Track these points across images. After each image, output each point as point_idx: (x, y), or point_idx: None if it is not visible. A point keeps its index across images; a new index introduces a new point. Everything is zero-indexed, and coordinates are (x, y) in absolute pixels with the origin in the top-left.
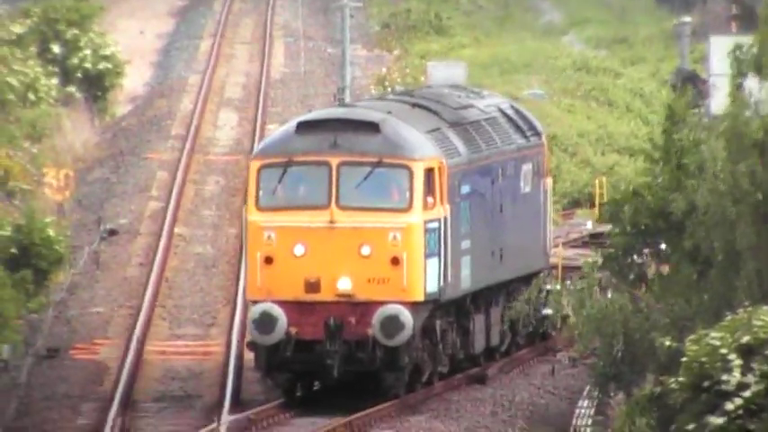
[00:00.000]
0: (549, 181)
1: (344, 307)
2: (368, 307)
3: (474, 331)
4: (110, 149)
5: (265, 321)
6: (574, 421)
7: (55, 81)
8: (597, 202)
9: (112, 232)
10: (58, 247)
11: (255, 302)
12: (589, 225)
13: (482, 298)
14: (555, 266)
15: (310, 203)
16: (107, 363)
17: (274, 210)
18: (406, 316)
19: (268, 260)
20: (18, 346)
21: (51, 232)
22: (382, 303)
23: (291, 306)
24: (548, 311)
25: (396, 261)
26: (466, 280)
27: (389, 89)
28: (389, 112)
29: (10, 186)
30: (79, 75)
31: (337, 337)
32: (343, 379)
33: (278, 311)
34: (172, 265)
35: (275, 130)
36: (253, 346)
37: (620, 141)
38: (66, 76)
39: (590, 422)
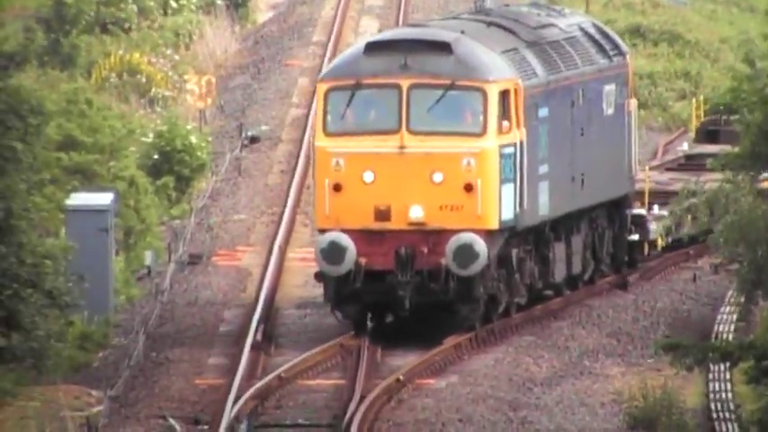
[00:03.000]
0: (634, 102)
1: (416, 236)
2: (440, 236)
3: (554, 260)
4: (251, 57)
5: (334, 251)
6: (716, 327)
7: None
8: (694, 124)
9: (254, 139)
10: (200, 154)
11: (323, 231)
12: (685, 146)
13: (562, 225)
14: (642, 191)
15: (380, 128)
16: (249, 269)
17: (343, 135)
18: (481, 245)
19: (337, 187)
20: (161, 252)
21: (194, 139)
22: (455, 232)
23: (361, 235)
24: (634, 237)
25: (469, 188)
26: (544, 207)
27: None
28: (463, 32)
29: (152, 93)
30: None
31: (409, 268)
32: (415, 311)
33: (347, 241)
34: None
35: (343, 52)
36: (321, 276)
37: (763, 47)
38: None
39: (732, 328)
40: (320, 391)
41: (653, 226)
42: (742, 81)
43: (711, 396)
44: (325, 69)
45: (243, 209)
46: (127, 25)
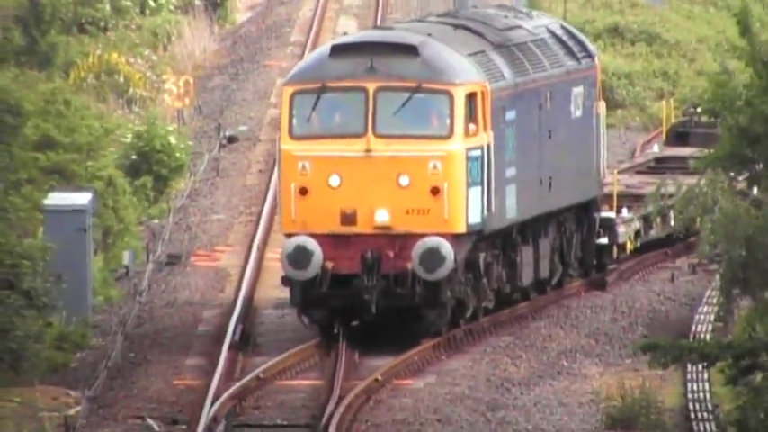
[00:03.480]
0: (603, 105)
1: (382, 240)
2: (407, 240)
3: (522, 264)
4: (229, 57)
5: (300, 255)
6: (694, 327)
7: None
8: (664, 125)
9: (232, 139)
10: (179, 154)
11: (290, 236)
12: (656, 149)
13: (530, 228)
14: (610, 194)
15: (346, 131)
16: (227, 269)
17: (308, 138)
18: (447, 249)
19: (302, 191)
20: (139, 252)
21: (172, 139)
22: (422, 236)
23: (327, 239)
24: (602, 241)
25: (436, 191)
26: (511, 210)
27: None
28: (429, 35)
29: (130, 94)
30: None
31: (375, 272)
32: (382, 315)
33: (313, 245)
34: None
35: (309, 55)
36: (287, 281)
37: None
38: None
39: (710, 328)
40: (299, 391)
41: (622, 229)
42: (722, 84)
43: (689, 396)
44: (290, 72)
45: (221, 209)
46: (103, 25)
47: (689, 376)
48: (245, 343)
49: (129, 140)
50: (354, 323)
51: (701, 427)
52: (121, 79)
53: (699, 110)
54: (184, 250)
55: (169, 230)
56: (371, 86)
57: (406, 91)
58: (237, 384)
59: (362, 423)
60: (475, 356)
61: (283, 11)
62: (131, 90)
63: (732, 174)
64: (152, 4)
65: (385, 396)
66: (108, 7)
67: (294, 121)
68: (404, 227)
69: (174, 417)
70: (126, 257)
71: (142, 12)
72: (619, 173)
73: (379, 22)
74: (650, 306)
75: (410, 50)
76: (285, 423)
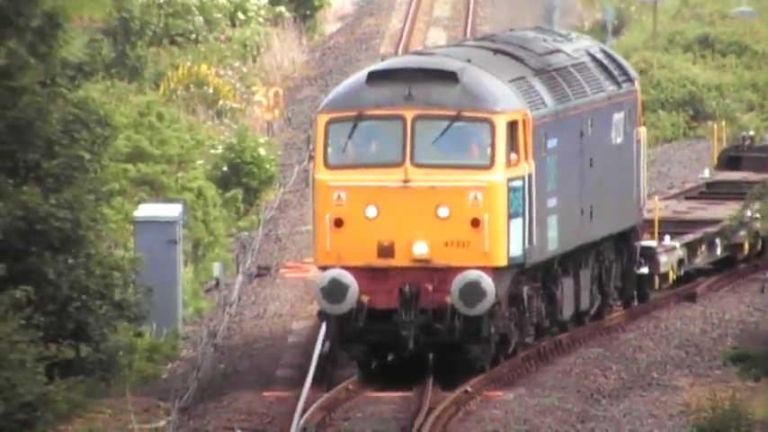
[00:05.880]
0: (643, 130)
1: (421, 273)
2: (446, 273)
3: (562, 296)
4: (318, 68)
5: (335, 289)
6: None
7: (264, 0)
8: (715, 150)
9: None
10: (269, 166)
11: (324, 268)
12: (706, 173)
13: (571, 259)
14: (648, 221)
15: (383, 161)
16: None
17: (344, 168)
18: (488, 282)
19: (338, 222)
20: (229, 264)
21: (262, 151)
22: (461, 269)
23: (363, 272)
24: (643, 270)
25: (476, 223)
26: (553, 241)
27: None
28: (469, 60)
29: (220, 105)
30: None
31: (413, 306)
32: (422, 351)
33: (349, 278)
34: None
35: (345, 81)
36: (323, 315)
37: None
38: None
39: None
40: (388, 402)
41: (663, 258)
42: None
43: None
44: (325, 99)
45: (310, 220)
46: (194, 37)
47: None
48: (335, 354)
49: (219, 152)
50: (390, 359)
51: None
52: (211, 91)
53: (752, 133)
54: (274, 262)
55: (259, 242)
56: (409, 114)
57: (446, 119)
58: (326, 395)
59: None
60: (564, 368)
61: (373, 22)
62: (221, 102)
63: None
64: (241, 16)
65: (475, 407)
66: (200, 19)
67: (329, 149)
68: (443, 260)
69: (263, 428)
70: (216, 269)
71: (232, 24)
72: (667, 198)
73: (468, 34)
74: (740, 317)
75: (450, 77)
76: None
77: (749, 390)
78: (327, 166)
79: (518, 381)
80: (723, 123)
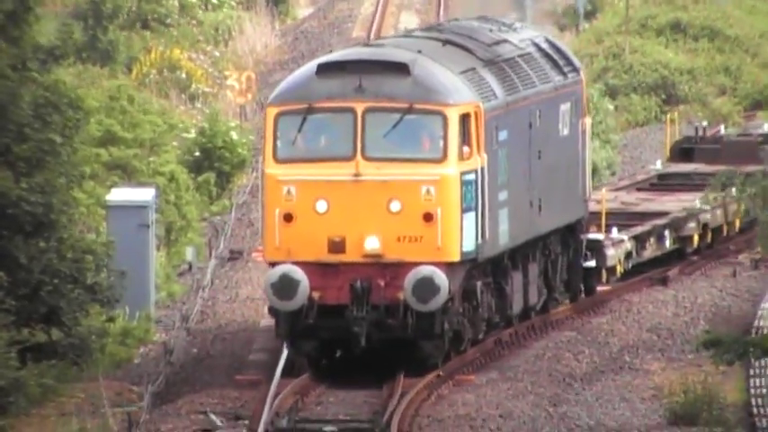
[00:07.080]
0: (588, 121)
1: (372, 268)
2: (398, 268)
3: (512, 291)
4: (291, 52)
5: (285, 285)
6: (756, 323)
7: None
8: (667, 143)
9: None
10: (241, 150)
11: (274, 264)
12: (658, 165)
13: (519, 253)
14: (604, 214)
15: (333, 155)
16: None
17: (294, 162)
18: (441, 278)
19: (287, 217)
20: (201, 248)
21: (234, 135)
22: (414, 264)
23: (314, 268)
24: (590, 264)
25: (429, 217)
26: (504, 235)
27: None
28: (419, 51)
29: (192, 89)
30: None
31: (365, 302)
32: (374, 347)
33: (299, 274)
34: None
35: (294, 73)
36: (273, 312)
37: None
38: None
39: None
40: (360, 387)
41: (611, 251)
42: None
43: (752, 391)
44: (274, 92)
45: None
46: (167, 21)
47: (752, 372)
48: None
49: (191, 136)
50: (338, 355)
51: (764, 423)
52: (183, 75)
53: (705, 124)
54: (246, 246)
55: (231, 226)
56: (360, 107)
57: (397, 112)
58: (299, 379)
59: (424, 418)
60: (537, 352)
61: (345, 6)
62: (193, 86)
63: None
64: (214, 0)
65: (447, 391)
66: (176, 3)
67: (279, 143)
68: (395, 255)
69: (236, 412)
70: (188, 253)
71: (204, 7)
72: (617, 189)
73: (441, 19)
74: (712, 301)
75: (401, 69)
76: (348, 418)
77: (721, 374)
78: (277, 160)
79: (490, 365)
80: (677, 114)
